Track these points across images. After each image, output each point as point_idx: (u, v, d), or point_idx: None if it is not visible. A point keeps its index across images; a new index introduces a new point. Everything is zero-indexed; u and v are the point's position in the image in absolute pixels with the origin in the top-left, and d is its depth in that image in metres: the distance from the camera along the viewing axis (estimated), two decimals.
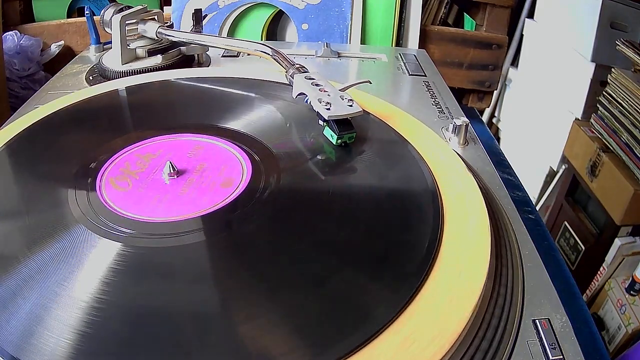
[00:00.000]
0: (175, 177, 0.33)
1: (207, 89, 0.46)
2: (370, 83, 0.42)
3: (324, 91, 0.38)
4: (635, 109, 0.77)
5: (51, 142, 0.38)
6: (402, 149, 0.36)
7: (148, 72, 0.51)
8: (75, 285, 0.25)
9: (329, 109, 0.35)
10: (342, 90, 0.39)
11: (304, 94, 0.38)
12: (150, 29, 0.52)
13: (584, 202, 0.95)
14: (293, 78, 0.41)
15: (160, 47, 0.53)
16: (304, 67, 0.42)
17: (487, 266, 0.26)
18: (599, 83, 0.93)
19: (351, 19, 0.71)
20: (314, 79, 0.40)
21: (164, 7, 0.84)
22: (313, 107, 0.37)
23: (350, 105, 0.36)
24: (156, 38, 0.53)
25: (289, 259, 0.27)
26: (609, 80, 0.83)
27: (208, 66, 0.57)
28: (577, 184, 0.95)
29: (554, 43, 1.07)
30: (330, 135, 0.36)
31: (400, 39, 0.75)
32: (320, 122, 0.37)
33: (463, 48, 0.81)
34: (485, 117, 1.34)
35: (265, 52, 0.46)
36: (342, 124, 0.36)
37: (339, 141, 0.36)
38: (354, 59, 0.62)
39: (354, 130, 0.36)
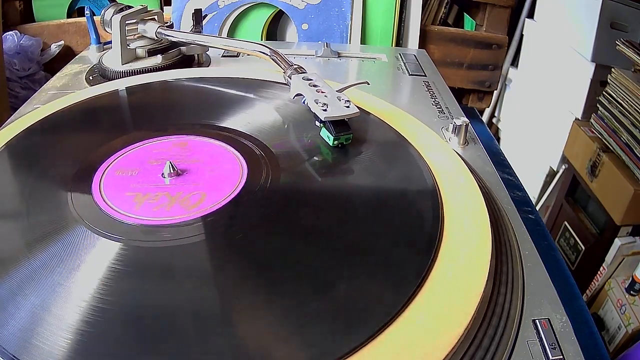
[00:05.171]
0: (175, 177, 0.33)
1: (207, 89, 0.46)
2: (369, 84, 0.42)
3: (321, 92, 0.38)
4: (635, 109, 0.77)
5: (51, 142, 0.38)
6: (402, 149, 0.36)
7: (148, 72, 0.51)
8: (75, 285, 0.25)
9: (325, 110, 0.35)
10: (340, 91, 0.39)
11: (302, 95, 0.38)
12: (150, 29, 0.52)
13: (584, 202, 0.95)
14: (291, 79, 0.41)
15: (160, 47, 0.53)
16: (302, 67, 0.42)
17: (487, 266, 0.26)
18: (599, 83, 0.93)
19: (351, 19, 0.71)
20: (311, 79, 0.40)
21: (164, 7, 0.84)
22: (310, 108, 0.37)
23: (347, 107, 0.36)
24: (156, 38, 0.53)
25: (288, 259, 0.27)
26: (609, 80, 0.83)
27: (208, 66, 0.57)
28: (577, 184, 0.95)
29: (554, 43, 1.07)
30: (327, 136, 0.36)
31: (400, 39, 0.75)
32: (317, 123, 0.37)
33: (463, 48, 0.81)
34: (485, 117, 1.34)
35: (263, 53, 0.46)
36: (338, 125, 0.36)
37: (336, 142, 0.35)
38: (354, 59, 0.62)
39: (350, 131, 0.36)
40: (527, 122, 1.20)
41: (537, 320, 0.26)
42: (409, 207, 0.31)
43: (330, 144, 0.36)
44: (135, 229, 0.28)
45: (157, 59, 0.53)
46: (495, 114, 1.36)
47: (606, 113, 0.84)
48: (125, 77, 0.50)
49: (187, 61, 0.55)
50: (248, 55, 0.57)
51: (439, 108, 0.49)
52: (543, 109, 1.12)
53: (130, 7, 0.53)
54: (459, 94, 0.86)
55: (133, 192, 0.31)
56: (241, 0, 0.72)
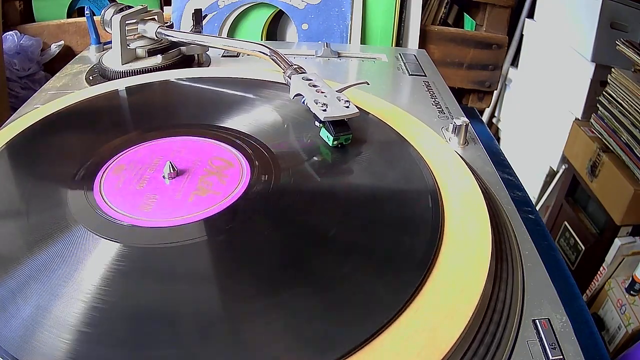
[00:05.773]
0: (175, 177, 0.33)
1: (207, 89, 0.46)
2: (368, 84, 0.42)
3: (321, 92, 0.38)
4: (635, 109, 0.77)
5: (51, 142, 0.38)
6: (402, 149, 0.36)
7: (148, 72, 0.51)
8: (75, 285, 0.25)
9: (325, 110, 0.35)
10: (340, 91, 0.39)
11: (301, 95, 0.38)
12: (150, 29, 0.52)
13: (584, 202, 0.95)
14: (290, 79, 0.41)
15: (160, 47, 0.53)
16: (302, 67, 0.42)
17: (487, 266, 0.26)
18: (599, 83, 0.93)
19: (351, 19, 0.71)
20: (311, 79, 0.40)
21: (164, 7, 0.84)
22: (309, 108, 0.37)
23: (347, 107, 0.36)
24: (156, 38, 0.53)
25: (289, 259, 0.27)
26: (609, 80, 0.83)
27: (208, 66, 0.57)
28: (577, 184, 0.95)
29: (554, 43, 1.07)
30: (327, 136, 0.36)
31: (400, 39, 0.75)
32: (317, 124, 0.37)
33: (463, 48, 0.81)
34: (485, 117, 1.34)
35: (262, 53, 0.46)
36: (338, 125, 0.36)
37: (335, 142, 0.35)
38: (354, 59, 0.62)
39: (350, 131, 0.36)
40: (527, 122, 1.20)
41: (537, 320, 0.26)
42: (409, 208, 0.31)
43: (330, 144, 0.36)
44: (135, 229, 0.28)
45: (157, 59, 0.53)
46: (495, 114, 1.36)
47: (606, 113, 0.84)
48: (125, 77, 0.50)
49: (187, 61, 0.55)
50: (248, 55, 0.57)
51: (439, 108, 0.49)
52: (543, 109, 1.12)
53: (130, 7, 0.53)
54: (459, 94, 0.86)
55: (133, 193, 0.31)
56: (241, 0, 0.72)
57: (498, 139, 1.34)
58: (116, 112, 0.44)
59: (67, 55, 0.84)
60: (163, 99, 0.46)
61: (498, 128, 1.36)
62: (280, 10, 0.72)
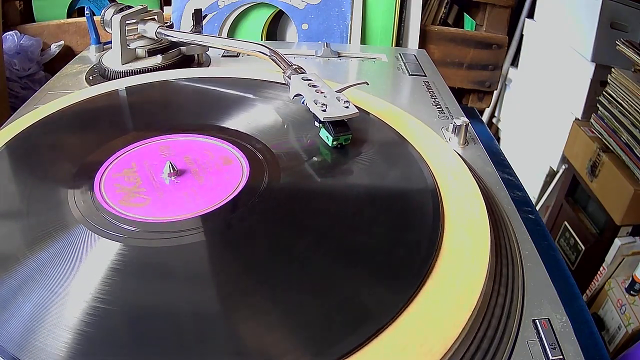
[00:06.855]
0: (175, 176, 0.33)
1: (207, 89, 0.46)
2: (368, 84, 0.42)
3: (321, 92, 0.38)
4: (635, 109, 0.77)
5: (51, 142, 0.38)
6: (402, 149, 0.36)
7: (148, 72, 0.51)
8: (75, 285, 0.25)
9: (324, 111, 0.35)
10: (340, 91, 0.39)
11: (301, 95, 0.38)
12: (150, 29, 0.52)
13: (584, 202, 0.95)
14: (290, 79, 0.41)
15: (160, 47, 0.53)
16: (302, 67, 0.42)
17: (487, 266, 0.26)
18: (599, 83, 0.93)
19: (351, 19, 0.71)
20: (311, 79, 0.40)
21: (164, 7, 0.84)
22: (309, 108, 0.37)
23: (346, 107, 0.36)
24: (156, 38, 0.53)
25: (288, 259, 0.27)
26: (609, 80, 0.83)
27: (208, 66, 0.57)
28: (577, 184, 0.95)
29: (554, 43, 1.06)
30: (326, 136, 0.36)
31: (400, 39, 0.75)
32: (316, 124, 0.37)
33: (463, 48, 0.81)
34: (485, 117, 1.34)
35: (262, 53, 0.46)
36: (337, 126, 0.35)
37: (335, 142, 0.35)
38: (354, 59, 0.62)
39: (350, 132, 0.36)
40: (527, 122, 1.20)
41: (537, 320, 0.26)
42: (409, 207, 0.31)
43: (330, 145, 0.36)
44: (135, 228, 0.28)
45: (157, 59, 0.53)
46: (495, 114, 1.36)
47: (606, 113, 0.84)
48: (125, 77, 0.50)
49: (187, 61, 0.55)
50: (248, 55, 0.57)
51: (439, 108, 0.49)
52: (543, 109, 1.12)
53: (130, 7, 0.53)
54: (459, 94, 0.86)
55: (133, 192, 0.31)
56: (241, 0, 0.72)
57: (498, 139, 1.34)
58: (116, 112, 0.44)
59: (67, 55, 0.84)
60: (163, 99, 0.46)
61: (498, 128, 1.36)
62: (280, 10, 0.72)
